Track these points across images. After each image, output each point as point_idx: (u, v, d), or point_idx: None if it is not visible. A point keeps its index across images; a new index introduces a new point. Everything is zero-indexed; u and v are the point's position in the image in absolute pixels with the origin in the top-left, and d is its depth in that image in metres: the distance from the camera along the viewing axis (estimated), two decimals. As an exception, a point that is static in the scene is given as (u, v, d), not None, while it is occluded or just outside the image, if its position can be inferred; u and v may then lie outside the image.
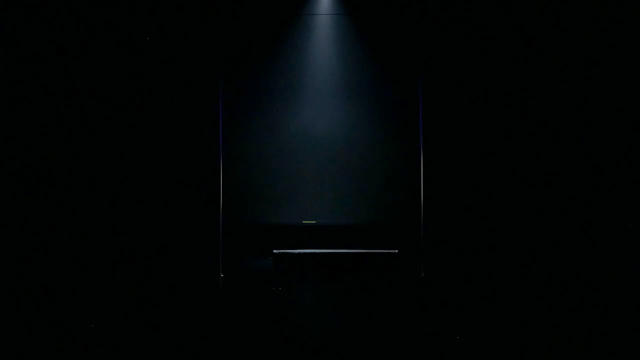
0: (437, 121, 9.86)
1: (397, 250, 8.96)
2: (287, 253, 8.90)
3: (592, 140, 9.64)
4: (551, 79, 9.89)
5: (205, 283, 7.61)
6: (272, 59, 10.69)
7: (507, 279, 7.80)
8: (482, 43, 10.10)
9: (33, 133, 9.39)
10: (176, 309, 6.09)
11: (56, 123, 9.62)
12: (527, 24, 9.88)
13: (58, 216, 9.43)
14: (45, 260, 8.75)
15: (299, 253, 8.94)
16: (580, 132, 9.71)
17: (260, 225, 9.28)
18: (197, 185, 10.07)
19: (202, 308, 6.20)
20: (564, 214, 9.62)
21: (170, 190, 10.20)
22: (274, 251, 8.91)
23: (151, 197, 10.05)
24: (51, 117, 9.59)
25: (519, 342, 4.80)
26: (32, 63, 9.31)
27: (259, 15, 10.35)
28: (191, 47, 10.13)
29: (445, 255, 9.36)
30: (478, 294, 6.82)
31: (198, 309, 6.15)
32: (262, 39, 10.55)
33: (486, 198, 9.99)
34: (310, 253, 8.94)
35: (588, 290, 6.97)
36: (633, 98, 9.38)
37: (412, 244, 8.67)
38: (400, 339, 4.97)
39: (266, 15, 10.38)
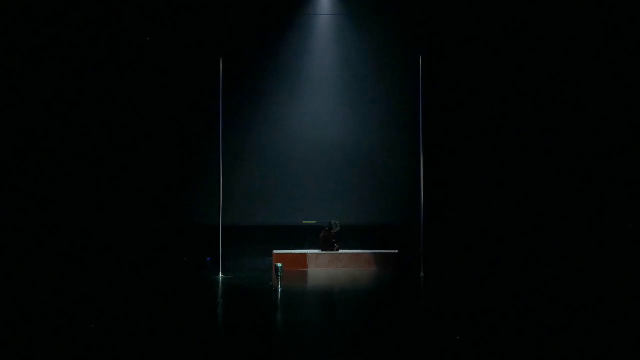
0: (437, 123, 9.85)
1: (397, 251, 8.96)
2: (287, 253, 8.89)
3: (592, 140, 9.64)
4: (549, 82, 9.90)
5: (205, 283, 7.62)
6: (273, 59, 10.70)
7: (505, 278, 7.79)
8: (483, 44, 10.10)
9: (26, 131, 9.42)
10: (176, 308, 6.09)
11: (53, 122, 9.64)
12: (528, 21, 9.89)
13: (57, 216, 9.44)
14: (44, 260, 8.75)
15: (299, 253, 8.93)
16: (580, 132, 9.72)
17: (260, 225, 9.27)
18: (197, 185, 10.08)
19: (201, 308, 6.20)
20: (562, 214, 9.62)
21: (170, 190, 10.20)
22: (274, 251, 8.90)
23: (151, 197, 10.06)
24: (47, 116, 9.61)
25: (518, 341, 4.80)
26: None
27: (259, 15, 10.36)
28: (190, 48, 10.13)
29: (445, 255, 9.36)
30: (477, 294, 6.82)
31: (198, 308, 6.15)
32: (262, 39, 10.56)
33: (485, 199, 9.99)
34: (309, 253, 8.93)
35: (587, 290, 6.97)
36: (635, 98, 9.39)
37: (412, 244, 8.66)
38: (400, 337, 4.97)
39: (266, 15, 10.38)
